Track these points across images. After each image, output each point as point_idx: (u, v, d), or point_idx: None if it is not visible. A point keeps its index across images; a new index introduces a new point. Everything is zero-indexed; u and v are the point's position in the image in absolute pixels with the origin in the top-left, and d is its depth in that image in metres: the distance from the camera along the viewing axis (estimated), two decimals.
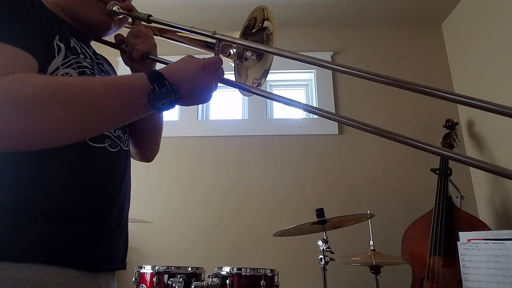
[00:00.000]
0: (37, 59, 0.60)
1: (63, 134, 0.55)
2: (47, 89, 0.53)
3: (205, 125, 2.78)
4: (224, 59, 0.83)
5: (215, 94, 0.77)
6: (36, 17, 0.64)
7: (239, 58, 0.85)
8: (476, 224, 1.91)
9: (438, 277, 1.79)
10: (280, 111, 2.90)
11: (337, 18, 2.83)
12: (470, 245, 1.46)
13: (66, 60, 0.67)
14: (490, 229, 1.88)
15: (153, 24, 0.85)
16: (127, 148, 0.83)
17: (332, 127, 2.62)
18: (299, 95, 2.98)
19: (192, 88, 0.66)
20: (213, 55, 0.78)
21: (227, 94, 2.99)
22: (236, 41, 0.77)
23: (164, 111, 0.64)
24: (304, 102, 2.93)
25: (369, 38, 2.88)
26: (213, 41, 0.78)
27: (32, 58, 0.59)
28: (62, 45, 0.68)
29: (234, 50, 0.82)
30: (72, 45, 0.71)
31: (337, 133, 2.61)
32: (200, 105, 2.81)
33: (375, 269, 1.73)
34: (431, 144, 0.59)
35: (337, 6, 2.71)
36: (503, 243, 1.36)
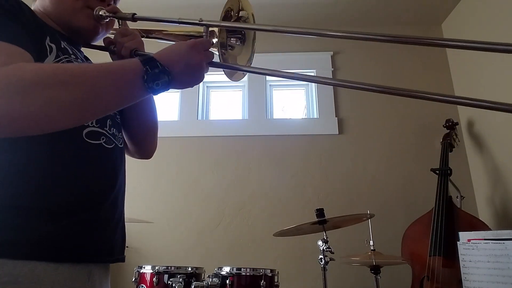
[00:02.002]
0: (32, 55, 0.64)
1: (62, 116, 0.58)
2: (46, 72, 0.57)
3: (205, 125, 2.78)
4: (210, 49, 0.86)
5: (216, 94, 0.78)
6: (26, 20, 0.68)
7: (224, 47, 0.87)
8: (476, 224, 1.91)
9: (438, 277, 1.79)
10: (280, 111, 2.91)
11: (337, 19, 2.83)
12: (470, 245, 1.46)
13: (58, 59, 0.71)
14: (490, 229, 1.88)
15: (138, 22, 0.88)
16: (122, 146, 0.87)
17: (332, 127, 2.62)
18: (299, 95, 2.98)
19: (184, 68, 0.68)
20: None
21: (227, 94, 2.99)
22: (222, 24, 0.81)
23: (159, 92, 0.66)
24: (304, 102, 2.93)
25: None
26: (200, 31, 0.81)
27: (27, 53, 0.63)
28: (53, 45, 0.72)
29: (216, 40, 0.84)
30: (63, 46, 0.75)
31: (337, 133, 2.61)
32: (200, 105, 2.81)
33: (375, 269, 1.73)
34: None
35: (338, 7, 2.71)
36: (503, 243, 1.36)
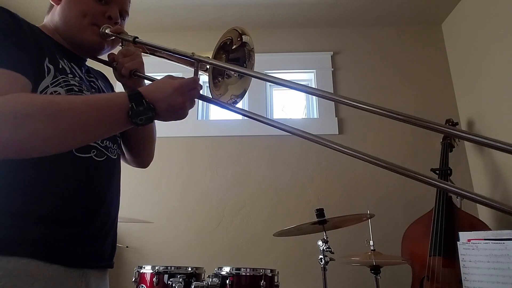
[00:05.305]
0: (30, 80, 0.70)
1: (47, 145, 0.63)
2: (35, 105, 0.62)
3: (205, 125, 2.78)
4: (202, 73, 0.88)
5: None
6: (26, 42, 0.73)
7: (221, 75, 0.89)
8: (476, 224, 1.91)
9: (438, 277, 1.79)
10: (280, 111, 2.91)
11: (337, 18, 2.83)
12: (470, 245, 1.46)
13: (55, 80, 0.76)
14: (490, 229, 1.88)
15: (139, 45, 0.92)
16: (115, 157, 0.91)
17: (332, 127, 2.62)
18: (299, 95, 2.98)
19: (167, 106, 0.73)
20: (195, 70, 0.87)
21: None
22: (213, 61, 0.81)
23: (143, 125, 0.71)
24: (304, 102, 2.93)
25: (369, 38, 2.88)
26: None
27: (26, 79, 0.69)
28: (51, 66, 0.76)
29: (208, 66, 0.85)
30: (61, 66, 0.80)
31: (337, 133, 2.61)
32: (200, 105, 2.82)
33: (375, 269, 1.73)
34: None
35: (337, 6, 2.71)
36: (503, 243, 1.36)
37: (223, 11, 2.72)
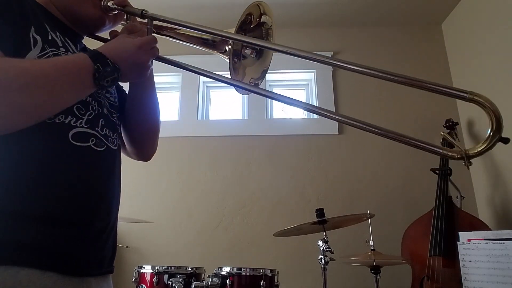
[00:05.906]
0: (3, 51, 0.61)
1: (22, 118, 0.58)
2: (7, 74, 0.55)
3: (205, 125, 2.78)
4: (220, 56, 0.83)
5: (216, 94, 0.78)
6: (6, 9, 0.64)
7: (237, 56, 0.84)
8: (476, 224, 1.91)
9: (438, 277, 1.79)
10: (280, 111, 2.90)
11: (337, 18, 2.83)
12: (470, 245, 1.46)
13: (43, 53, 0.67)
14: (490, 229, 1.88)
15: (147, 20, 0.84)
16: (116, 148, 0.82)
17: (332, 127, 2.62)
18: (299, 95, 2.98)
19: (131, 65, 0.71)
20: (212, 52, 0.82)
21: (226, 94, 2.99)
22: (169, 20, 0.78)
23: (106, 88, 0.68)
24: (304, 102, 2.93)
25: (369, 38, 2.88)
26: (208, 36, 0.80)
27: None
28: (38, 37, 0.67)
29: (229, 47, 0.81)
30: (50, 38, 0.70)
31: (337, 133, 2.61)
32: (200, 105, 2.81)
33: (375, 269, 1.73)
34: (428, 142, 0.59)
35: (337, 6, 2.71)
36: (503, 243, 1.36)
37: (224, 11, 2.72)
